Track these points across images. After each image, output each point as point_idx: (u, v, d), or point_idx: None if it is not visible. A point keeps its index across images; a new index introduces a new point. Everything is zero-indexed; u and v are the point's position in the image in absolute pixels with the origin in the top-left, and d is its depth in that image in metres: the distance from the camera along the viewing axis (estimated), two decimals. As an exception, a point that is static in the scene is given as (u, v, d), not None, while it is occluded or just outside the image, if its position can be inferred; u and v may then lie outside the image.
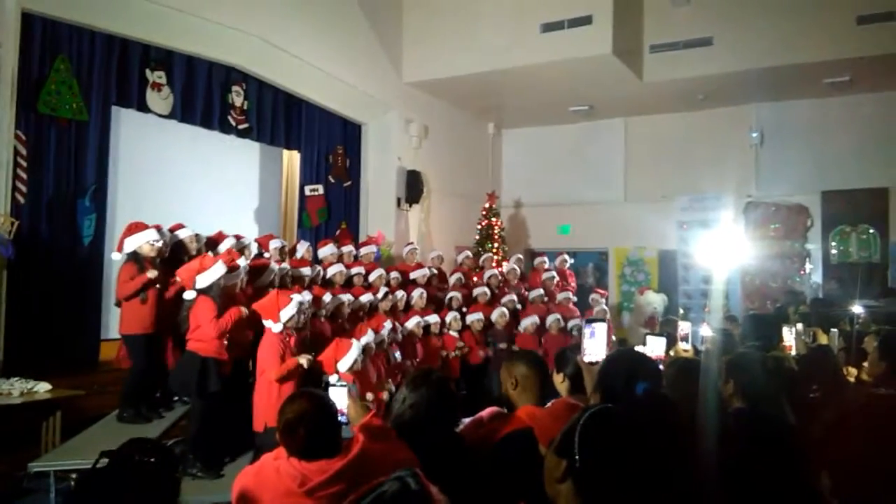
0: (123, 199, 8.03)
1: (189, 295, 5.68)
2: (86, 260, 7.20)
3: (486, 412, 2.97)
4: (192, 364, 5.42)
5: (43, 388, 5.98)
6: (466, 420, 2.99)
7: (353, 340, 5.76)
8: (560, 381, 3.06)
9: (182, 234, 6.46)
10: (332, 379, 5.35)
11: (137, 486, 1.77)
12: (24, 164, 6.65)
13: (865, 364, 4.67)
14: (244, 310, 5.66)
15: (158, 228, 6.11)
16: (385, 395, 6.23)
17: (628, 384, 2.42)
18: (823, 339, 5.34)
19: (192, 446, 5.44)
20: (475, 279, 9.78)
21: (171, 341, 6.22)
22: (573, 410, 1.78)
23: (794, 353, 4.75)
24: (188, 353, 5.50)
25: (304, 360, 5.41)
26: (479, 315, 8.61)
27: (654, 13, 10.31)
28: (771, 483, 2.15)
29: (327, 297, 6.93)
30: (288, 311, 5.42)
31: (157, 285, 5.89)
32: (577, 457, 1.55)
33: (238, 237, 7.06)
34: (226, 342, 5.57)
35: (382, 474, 1.37)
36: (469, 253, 10.44)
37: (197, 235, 6.57)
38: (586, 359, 2.80)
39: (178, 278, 5.87)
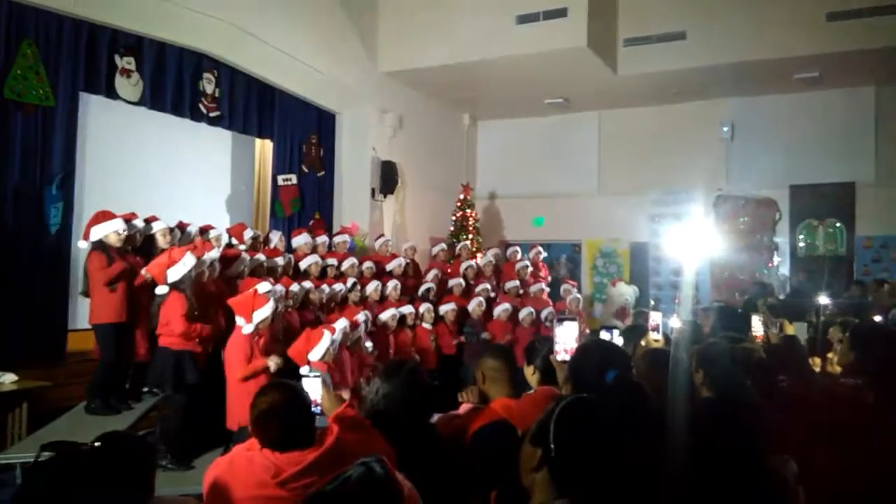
0: (92, 187, 7.87)
1: (161, 290, 5.61)
2: (53, 249, 7.06)
3: (463, 408, 2.99)
4: (167, 359, 5.38)
5: (8, 379, 5.88)
6: (438, 415, 3.00)
7: (325, 330, 5.73)
8: (531, 374, 3.08)
9: (155, 227, 6.37)
10: (305, 370, 5.32)
11: (112, 479, 1.74)
12: (-11, 150, 6.51)
13: (830, 355, 4.77)
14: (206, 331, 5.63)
15: (132, 218, 6.02)
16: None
17: (599, 373, 2.45)
18: (790, 330, 5.43)
19: (164, 438, 5.39)
20: (449, 270, 9.80)
21: (142, 331, 6.14)
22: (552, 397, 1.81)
23: (762, 343, 4.83)
24: (161, 348, 5.45)
25: (272, 363, 5.36)
26: (452, 305, 8.63)
27: (629, 6, 10.36)
28: (738, 470, 2.19)
29: (295, 287, 6.89)
30: (261, 313, 5.37)
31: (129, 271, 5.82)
32: (552, 446, 1.57)
33: (204, 228, 6.99)
34: (197, 335, 5.52)
35: (357, 464, 1.37)
36: (444, 246, 10.45)
37: (171, 230, 6.48)
38: (559, 357, 2.82)
39: (147, 274, 5.79)
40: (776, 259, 11.17)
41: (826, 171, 10.79)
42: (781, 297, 9.37)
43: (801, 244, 11.08)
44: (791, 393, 3.46)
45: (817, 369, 4.62)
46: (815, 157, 10.87)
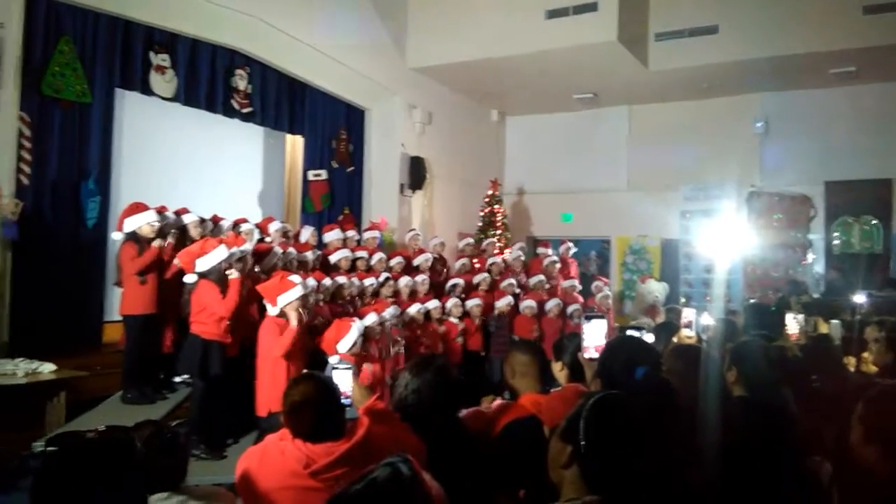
0: (127, 181, 8.02)
1: (190, 278, 5.69)
2: (90, 242, 7.21)
3: (494, 405, 2.99)
4: (196, 347, 5.46)
5: (47, 368, 6.02)
6: (466, 410, 3.01)
7: (353, 322, 5.77)
8: (559, 370, 3.07)
9: (187, 218, 6.48)
10: (333, 360, 5.37)
11: (145, 467, 1.77)
12: (28, 145, 6.66)
13: (865, 354, 4.68)
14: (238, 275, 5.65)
15: (163, 211, 6.12)
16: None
17: (628, 370, 2.44)
18: (824, 329, 5.35)
19: (195, 427, 5.48)
20: (477, 265, 9.80)
21: (171, 323, 6.25)
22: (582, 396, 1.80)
23: (796, 342, 4.75)
24: (191, 336, 5.53)
25: (294, 319, 5.32)
26: (478, 301, 8.64)
27: (660, 0, 10.24)
28: (771, 470, 2.17)
29: (327, 281, 6.97)
30: (286, 297, 5.41)
31: (164, 257, 5.93)
32: (582, 442, 1.57)
33: (238, 222, 7.08)
34: (228, 327, 5.59)
35: (387, 457, 1.38)
36: (471, 240, 10.45)
37: (202, 220, 6.59)
38: (586, 355, 2.81)
39: (177, 261, 5.89)
40: (810, 256, 10.98)
41: (862, 168, 10.56)
42: (816, 295, 9.21)
43: (837, 241, 10.86)
44: (825, 393, 3.41)
45: (852, 369, 4.54)
46: (851, 152, 10.63)
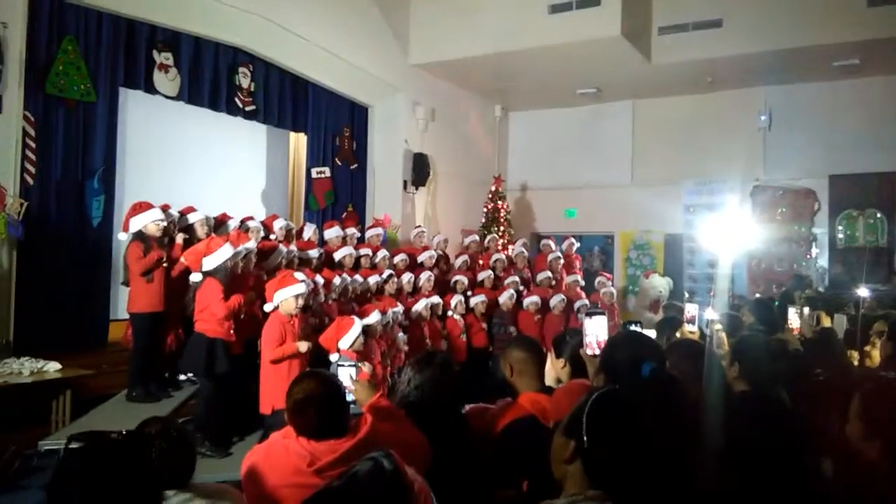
0: (131, 180, 8.06)
1: (196, 277, 5.70)
2: (95, 241, 7.24)
3: (498, 403, 2.98)
4: (200, 345, 5.47)
5: (53, 367, 6.05)
6: (469, 406, 3.00)
7: (355, 318, 5.77)
8: (561, 367, 3.02)
9: (192, 217, 6.49)
10: (334, 358, 5.37)
11: (154, 464, 1.78)
12: (33, 145, 6.69)
13: (867, 348, 4.67)
14: (241, 298, 5.67)
15: (167, 209, 6.13)
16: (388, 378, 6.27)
17: (633, 365, 2.43)
18: (827, 322, 5.33)
19: (201, 425, 5.50)
20: (481, 262, 9.80)
21: (176, 321, 6.26)
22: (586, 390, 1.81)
23: (799, 336, 4.75)
24: (196, 334, 5.54)
25: (303, 346, 5.37)
26: (483, 297, 8.63)
27: (664, -6, 10.21)
28: (774, 466, 2.17)
29: (337, 280, 6.96)
30: (282, 294, 5.40)
31: (165, 264, 5.94)
32: (585, 438, 1.57)
33: (245, 219, 7.10)
34: (232, 326, 5.60)
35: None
36: (476, 237, 10.45)
37: (207, 219, 6.61)
38: (588, 352, 2.79)
39: (184, 259, 5.91)
40: (815, 250, 10.96)
41: (866, 161, 10.53)
42: (820, 289, 9.19)
43: (841, 235, 10.84)
44: (828, 386, 3.41)
45: (856, 363, 4.54)
46: (856, 146, 10.59)
